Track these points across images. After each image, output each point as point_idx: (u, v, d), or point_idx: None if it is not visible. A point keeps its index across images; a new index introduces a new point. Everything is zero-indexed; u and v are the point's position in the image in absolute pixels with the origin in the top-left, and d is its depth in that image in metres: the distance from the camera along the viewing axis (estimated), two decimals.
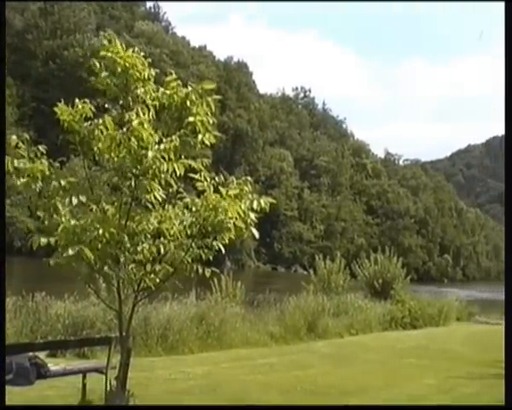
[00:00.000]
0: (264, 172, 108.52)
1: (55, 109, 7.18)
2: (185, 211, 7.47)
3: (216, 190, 7.20)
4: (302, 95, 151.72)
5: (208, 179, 7.28)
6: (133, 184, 7.16)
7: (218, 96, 7.47)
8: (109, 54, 7.13)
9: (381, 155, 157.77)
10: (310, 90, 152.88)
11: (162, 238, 7.45)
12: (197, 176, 7.24)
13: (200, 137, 7.22)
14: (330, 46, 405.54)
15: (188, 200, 7.44)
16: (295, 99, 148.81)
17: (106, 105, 7.45)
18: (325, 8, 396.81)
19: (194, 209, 7.32)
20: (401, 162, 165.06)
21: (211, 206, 7.08)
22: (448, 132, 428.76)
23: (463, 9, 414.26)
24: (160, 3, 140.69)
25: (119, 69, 7.16)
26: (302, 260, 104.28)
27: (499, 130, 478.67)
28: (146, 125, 6.95)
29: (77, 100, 7.26)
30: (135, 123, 6.89)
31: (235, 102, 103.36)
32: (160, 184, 7.20)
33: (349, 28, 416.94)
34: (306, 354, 16.27)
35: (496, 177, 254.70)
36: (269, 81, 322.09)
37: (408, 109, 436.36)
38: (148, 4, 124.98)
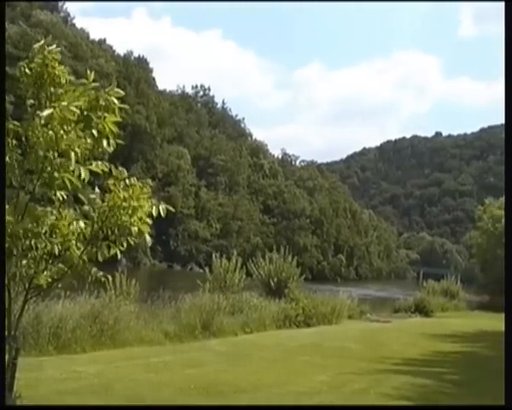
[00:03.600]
0: (162, 170, 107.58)
1: None
2: (86, 210, 7.35)
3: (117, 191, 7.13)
4: (202, 93, 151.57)
5: (112, 181, 7.19)
6: (37, 178, 7.02)
7: (125, 106, 7.38)
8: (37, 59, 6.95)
9: (279, 155, 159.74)
10: (209, 89, 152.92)
11: (58, 237, 7.30)
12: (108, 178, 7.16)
13: (104, 142, 7.13)
14: (232, 46, 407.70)
15: (89, 199, 7.31)
16: (195, 97, 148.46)
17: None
18: (230, 9, 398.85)
19: (94, 210, 7.21)
20: (298, 163, 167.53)
21: (110, 206, 7.02)
22: (344, 135, 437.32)
23: (364, 15, 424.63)
24: None
25: (38, 68, 6.98)
26: (198, 258, 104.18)
27: (393, 134, 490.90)
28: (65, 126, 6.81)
29: None
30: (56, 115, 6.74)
31: (133, 97, 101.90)
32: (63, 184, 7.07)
33: (251, 30, 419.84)
34: (201, 353, 16.28)
35: (388, 180, 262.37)
36: (170, 79, 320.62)
37: (306, 111, 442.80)
38: None
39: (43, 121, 6.80)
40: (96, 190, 7.42)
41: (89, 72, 7.22)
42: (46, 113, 6.76)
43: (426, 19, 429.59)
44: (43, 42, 7.09)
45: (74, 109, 6.78)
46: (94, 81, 7.14)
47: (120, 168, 7.33)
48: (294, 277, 29.36)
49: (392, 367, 15.27)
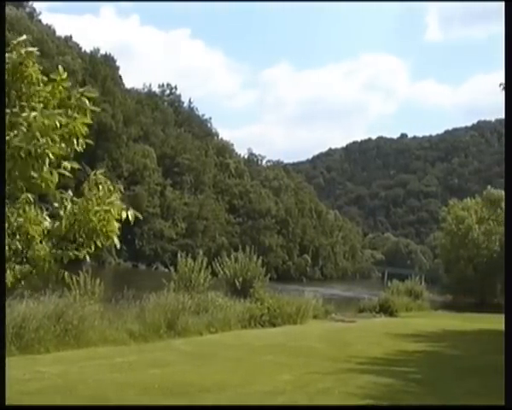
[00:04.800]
0: (128, 168, 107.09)
1: None
2: (55, 211, 7.26)
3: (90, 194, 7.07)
4: (168, 92, 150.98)
5: (87, 186, 7.12)
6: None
7: (97, 108, 7.28)
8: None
9: (245, 155, 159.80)
10: (176, 88, 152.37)
11: (22, 236, 7.21)
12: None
13: (74, 141, 7.04)
14: (200, 46, 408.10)
15: (57, 203, 7.23)
16: (161, 96, 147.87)
17: None
18: (199, 9, 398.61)
19: (64, 212, 7.13)
20: (264, 163, 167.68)
21: (81, 209, 6.96)
22: (310, 136, 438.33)
23: (332, 16, 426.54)
24: None
25: (12, 65, 6.88)
26: (163, 257, 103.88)
27: (359, 135, 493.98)
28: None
29: None
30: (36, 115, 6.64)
31: (99, 95, 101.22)
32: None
33: (220, 30, 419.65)
34: (165, 352, 16.23)
35: (354, 180, 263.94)
36: (138, 77, 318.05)
37: (273, 112, 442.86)
38: None
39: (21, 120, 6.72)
40: (70, 192, 7.32)
41: (61, 68, 7.12)
42: (25, 114, 6.68)
43: (393, 22, 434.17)
44: (24, 37, 7.00)
45: (58, 121, 6.69)
46: (64, 79, 7.06)
47: (101, 174, 7.27)
48: (260, 276, 29.42)
49: (356, 367, 15.35)
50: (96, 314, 17.36)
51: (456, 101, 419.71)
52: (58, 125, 6.66)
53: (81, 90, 7.06)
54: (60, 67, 7.07)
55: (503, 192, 56.61)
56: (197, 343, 18.50)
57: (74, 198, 7.13)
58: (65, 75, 7.00)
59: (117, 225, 7.09)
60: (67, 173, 6.94)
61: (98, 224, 6.97)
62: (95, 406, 9.55)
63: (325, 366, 15.04)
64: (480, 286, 51.03)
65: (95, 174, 7.23)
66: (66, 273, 7.41)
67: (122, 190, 7.34)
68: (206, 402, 10.26)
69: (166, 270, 63.33)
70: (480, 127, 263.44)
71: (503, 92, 7.67)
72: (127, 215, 7.13)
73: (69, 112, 6.91)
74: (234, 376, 13.18)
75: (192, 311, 21.46)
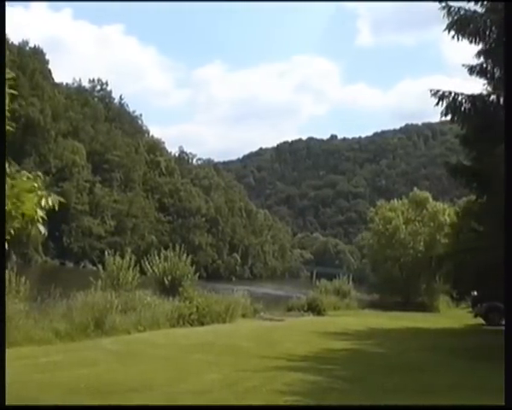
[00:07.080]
0: (56, 164, 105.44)
1: None
2: None
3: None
4: (99, 87, 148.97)
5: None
6: None
7: (14, 91, 7.09)
8: None
9: (176, 153, 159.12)
10: (107, 84, 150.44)
11: None
12: None
13: None
14: (134, 42, 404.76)
15: None
16: (91, 91, 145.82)
17: None
18: (134, 5, 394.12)
19: None
20: (195, 161, 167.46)
21: None
22: (241, 135, 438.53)
23: (266, 17, 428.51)
24: None
25: None
26: (92, 255, 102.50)
27: (289, 136, 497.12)
28: None
29: None
30: None
31: (27, 89, 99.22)
32: None
33: (154, 27, 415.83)
34: (92, 352, 16.02)
35: (284, 180, 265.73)
36: (69, 72, 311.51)
37: (205, 111, 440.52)
38: None
39: None
40: None
41: None
42: None
43: (326, 25, 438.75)
44: None
45: None
46: None
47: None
48: (189, 275, 29.38)
49: (284, 365, 15.46)
50: (20, 313, 17.01)
51: (386, 104, 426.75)
52: None
53: None
54: None
55: (428, 194, 57.93)
56: (125, 342, 18.32)
57: None
58: None
59: (40, 212, 6.88)
60: None
61: (12, 206, 6.76)
62: (95, 406, 9.39)
63: (253, 365, 15.12)
64: (405, 285, 51.89)
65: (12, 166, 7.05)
66: None
67: (40, 175, 7.14)
68: (133, 402, 10.19)
69: (94, 268, 62.26)
70: (408, 130, 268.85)
71: (503, 92, 7.92)
72: (52, 204, 6.95)
73: None
74: (162, 375, 13.13)
75: (120, 310, 21.25)
